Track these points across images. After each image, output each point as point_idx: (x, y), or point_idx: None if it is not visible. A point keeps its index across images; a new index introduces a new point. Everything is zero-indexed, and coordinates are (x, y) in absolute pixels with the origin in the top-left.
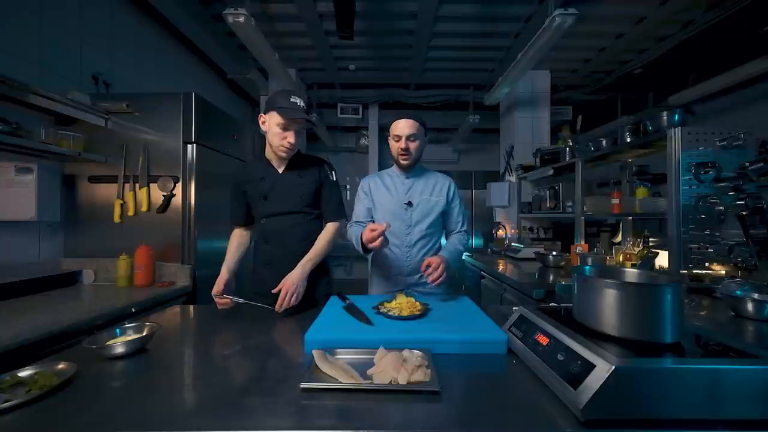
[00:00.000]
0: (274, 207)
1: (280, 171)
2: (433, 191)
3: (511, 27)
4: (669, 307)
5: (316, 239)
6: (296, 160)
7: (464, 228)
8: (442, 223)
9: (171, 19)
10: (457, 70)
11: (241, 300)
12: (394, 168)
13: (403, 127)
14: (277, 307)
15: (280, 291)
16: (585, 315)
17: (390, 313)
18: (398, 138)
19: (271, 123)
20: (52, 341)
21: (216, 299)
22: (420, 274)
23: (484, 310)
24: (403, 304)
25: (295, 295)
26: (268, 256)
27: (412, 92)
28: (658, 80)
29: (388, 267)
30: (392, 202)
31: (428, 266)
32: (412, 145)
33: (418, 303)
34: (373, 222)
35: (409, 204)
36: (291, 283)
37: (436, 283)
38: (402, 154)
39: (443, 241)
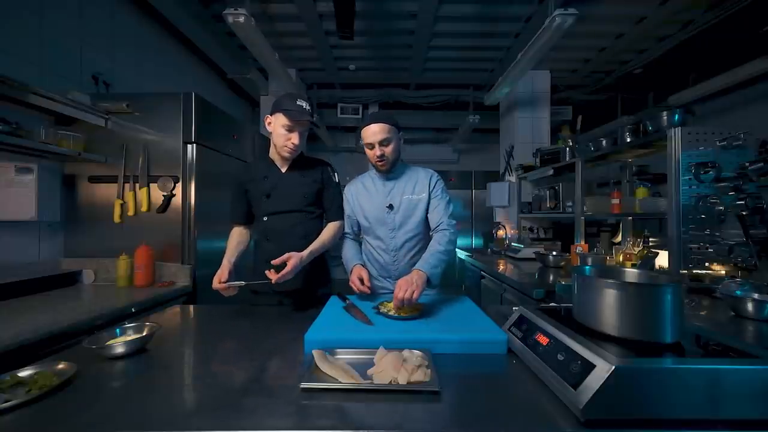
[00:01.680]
0: (277, 205)
1: (283, 170)
2: (415, 189)
3: (511, 27)
4: (669, 307)
5: (315, 238)
6: (299, 161)
7: (444, 223)
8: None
9: (171, 19)
10: (457, 70)
11: (242, 283)
12: (373, 171)
13: (374, 132)
14: (277, 276)
15: (279, 264)
16: (585, 315)
17: (390, 313)
18: (371, 145)
19: (276, 124)
20: (52, 341)
21: (219, 287)
22: None
23: (484, 310)
24: None
25: (291, 269)
26: (270, 253)
27: (412, 92)
28: (658, 80)
29: (377, 270)
30: (374, 207)
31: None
32: (387, 150)
33: (418, 303)
34: (360, 230)
35: (390, 207)
36: (298, 258)
37: (410, 302)
38: (379, 161)
39: None
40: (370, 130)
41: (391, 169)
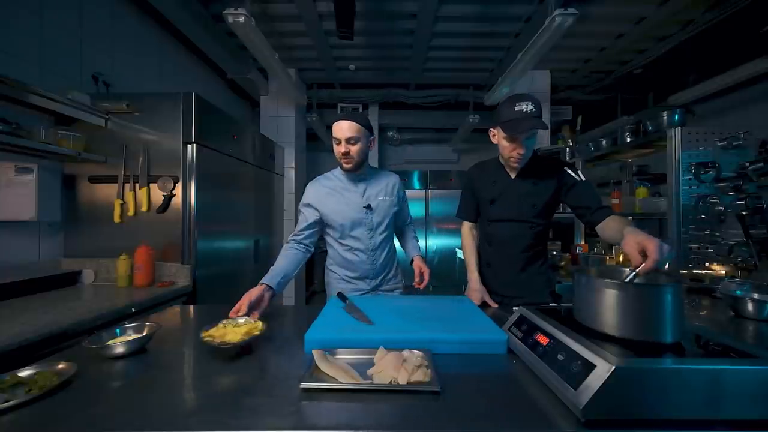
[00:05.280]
0: (500, 213)
1: (512, 176)
2: (387, 191)
3: (511, 27)
4: (669, 307)
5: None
6: (533, 166)
7: (410, 219)
8: (394, 222)
9: (171, 19)
10: (457, 70)
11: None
12: (339, 171)
13: (342, 129)
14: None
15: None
16: (585, 315)
17: (216, 342)
18: (338, 141)
19: (499, 137)
20: (52, 341)
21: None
22: (383, 276)
23: (484, 310)
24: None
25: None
26: (489, 257)
27: (412, 92)
28: (658, 80)
29: (352, 272)
30: (350, 209)
31: (421, 274)
32: (353, 149)
33: (254, 323)
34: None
35: (368, 207)
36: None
37: (422, 286)
38: (343, 158)
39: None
40: (339, 126)
41: (356, 169)
